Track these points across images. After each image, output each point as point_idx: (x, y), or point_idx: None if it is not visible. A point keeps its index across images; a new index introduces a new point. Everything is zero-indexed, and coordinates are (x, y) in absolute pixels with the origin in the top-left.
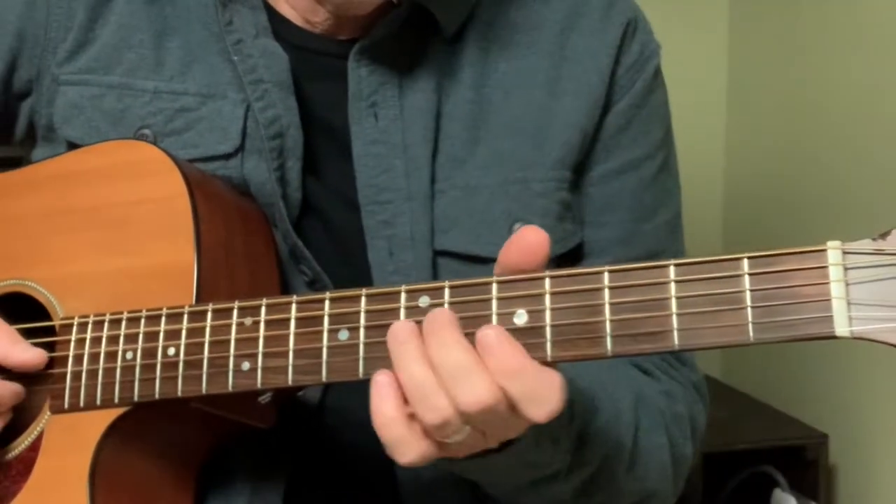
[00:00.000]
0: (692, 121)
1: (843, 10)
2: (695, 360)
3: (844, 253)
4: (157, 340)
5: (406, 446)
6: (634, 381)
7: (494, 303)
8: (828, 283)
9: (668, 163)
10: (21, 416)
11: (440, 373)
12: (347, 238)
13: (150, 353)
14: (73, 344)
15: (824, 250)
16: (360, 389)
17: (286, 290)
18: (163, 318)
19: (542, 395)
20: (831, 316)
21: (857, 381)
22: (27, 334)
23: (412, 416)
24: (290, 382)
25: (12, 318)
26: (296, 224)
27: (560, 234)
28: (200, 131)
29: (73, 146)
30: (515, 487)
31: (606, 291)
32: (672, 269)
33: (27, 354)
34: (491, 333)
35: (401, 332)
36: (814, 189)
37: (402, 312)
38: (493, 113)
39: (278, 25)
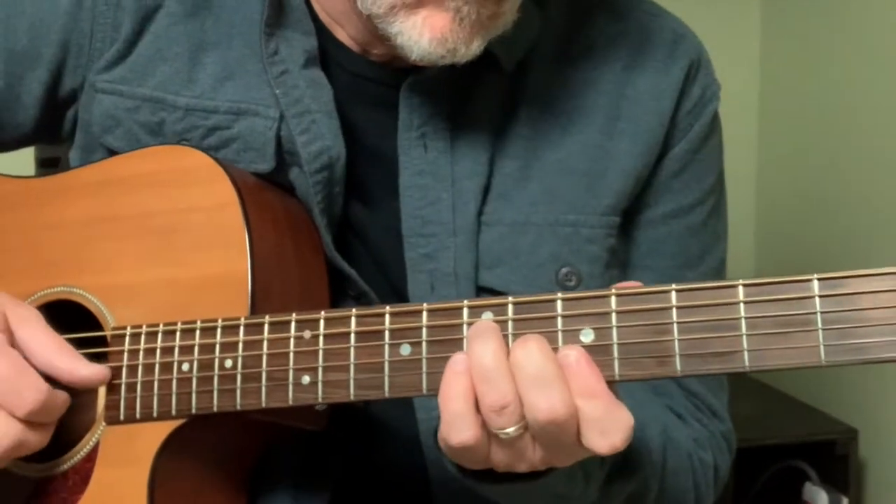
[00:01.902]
0: (723, 129)
1: (874, 18)
2: (726, 412)
3: None
4: (213, 352)
5: (463, 424)
6: (666, 423)
7: (560, 320)
8: None
9: (718, 207)
10: (71, 424)
11: (519, 376)
12: (390, 266)
13: (206, 365)
14: (126, 354)
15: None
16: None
17: (333, 302)
18: (218, 330)
19: (612, 427)
20: None
21: (887, 377)
22: (77, 344)
23: (477, 406)
24: (352, 397)
25: (56, 325)
26: (339, 246)
27: (607, 280)
28: (236, 150)
29: (113, 154)
30: None
31: (674, 311)
32: (741, 289)
33: (89, 370)
34: (572, 353)
35: (484, 323)
36: (847, 195)
37: (465, 328)
38: (548, 150)
39: (334, 50)
